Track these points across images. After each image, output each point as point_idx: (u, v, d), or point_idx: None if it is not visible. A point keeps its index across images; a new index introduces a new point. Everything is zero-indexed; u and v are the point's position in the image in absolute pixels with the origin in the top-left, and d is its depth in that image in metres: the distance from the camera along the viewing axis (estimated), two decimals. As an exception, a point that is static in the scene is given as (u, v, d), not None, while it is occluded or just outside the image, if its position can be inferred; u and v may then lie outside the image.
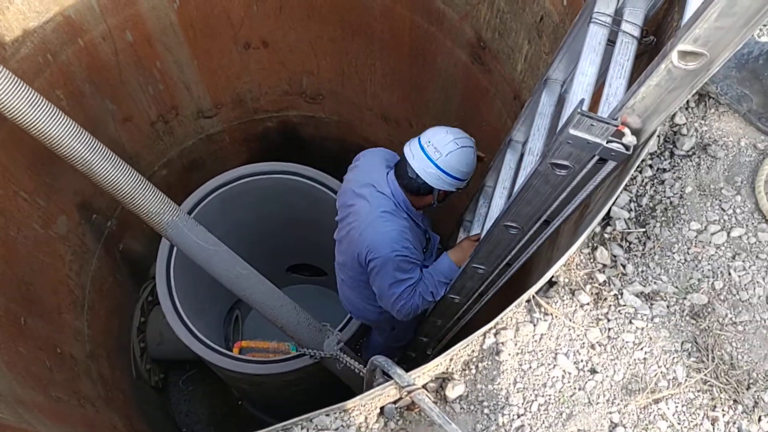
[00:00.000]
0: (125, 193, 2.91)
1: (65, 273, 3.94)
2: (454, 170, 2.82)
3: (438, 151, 2.81)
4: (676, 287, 1.69)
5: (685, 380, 1.60)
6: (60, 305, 3.85)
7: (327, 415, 1.62)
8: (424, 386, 1.68)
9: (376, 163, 3.10)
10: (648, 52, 2.09)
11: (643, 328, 1.64)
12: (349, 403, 1.65)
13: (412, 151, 2.88)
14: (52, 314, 3.75)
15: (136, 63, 3.93)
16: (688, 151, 1.85)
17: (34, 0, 3.18)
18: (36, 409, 3.07)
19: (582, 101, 1.74)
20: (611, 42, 2.01)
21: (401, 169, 2.92)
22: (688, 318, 1.66)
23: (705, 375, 1.61)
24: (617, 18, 2.00)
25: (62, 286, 3.91)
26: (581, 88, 1.96)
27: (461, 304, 2.97)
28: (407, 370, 1.71)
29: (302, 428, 1.62)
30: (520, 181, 2.42)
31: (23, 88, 2.54)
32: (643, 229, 1.77)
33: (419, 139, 2.91)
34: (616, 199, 1.79)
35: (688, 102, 1.93)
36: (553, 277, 1.76)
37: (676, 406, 1.58)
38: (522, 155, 2.82)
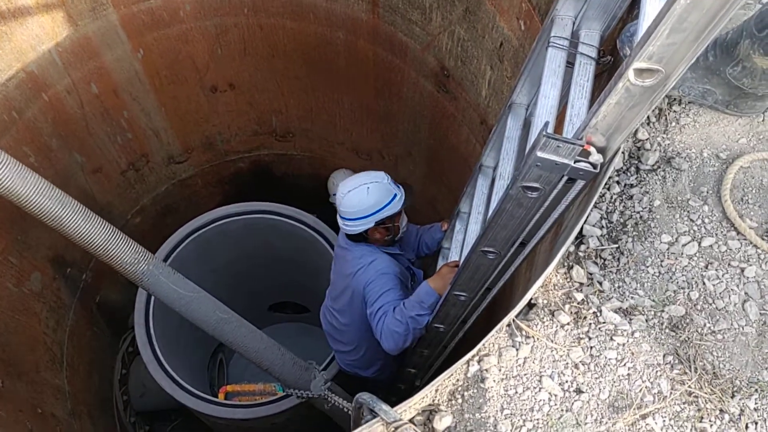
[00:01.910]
0: (98, 245, 2.86)
1: (41, 330, 3.87)
2: (352, 214, 3.11)
3: (343, 209, 3.15)
4: (653, 300, 1.70)
5: (670, 393, 1.60)
6: (38, 364, 3.77)
7: (316, 457, 1.59)
8: (411, 420, 1.66)
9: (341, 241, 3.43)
10: (607, 71, 2.14)
11: (624, 344, 1.65)
12: (338, 444, 1.62)
13: (339, 220, 3.24)
14: (30, 374, 3.66)
15: (103, 114, 3.92)
16: (653, 166, 1.88)
17: (-5, 58, 3.17)
18: (18, 474, 2.98)
19: (547, 123, 1.76)
20: (570, 64, 2.05)
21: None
22: (667, 330, 1.67)
23: (689, 386, 1.61)
24: (574, 41, 2.05)
25: (39, 344, 3.83)
26: (545, 111, 1.99)
27: (446, 332, 2.96)
28: (395, 404, 1.69)
29: (291, 473, 1.58)
30: (494, 205, 2.44)
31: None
32: (616, 245, 1.79)
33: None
34: (587, 217, 1.81)
35: (648, 117, 1.97)
36: (531, 299, 1.76)
37: (664, 420, 1.58)
38: (493, 180, 2.85)
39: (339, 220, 3.22)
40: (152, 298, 4.08)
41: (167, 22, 3.74)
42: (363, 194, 3.09)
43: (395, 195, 3.10)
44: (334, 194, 4.79)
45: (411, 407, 1.64)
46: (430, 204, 3.95)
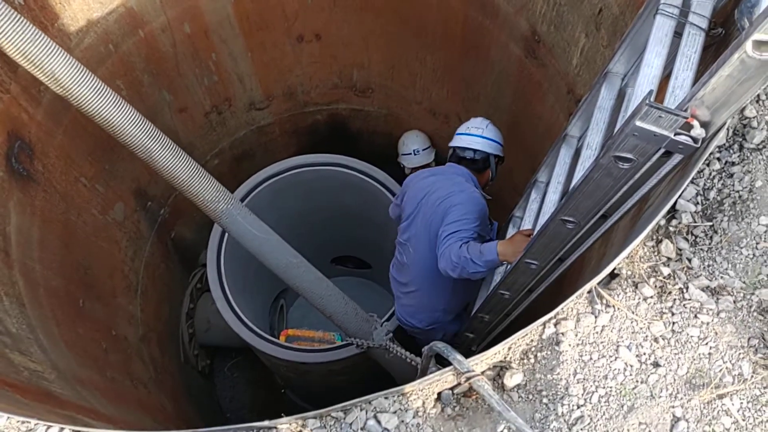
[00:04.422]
0: (183, 181, 2.97)
1: (121, 258, 4.06)
2: (496, 137, 3.53)
3: (478, 128, 3.53)
4: (744, 282, 1.66)
5: (752, 376, 1.57)
6: (115, 289, 3.96)
7: (386, 398, 1.64)
8: (482, 373, 1.69)
9: (427, 171, 3.66)
10: (715, 45, 2.06)
11: (708, 323, 1.62)
12: (408, 387, 1.67)
13: (460, 139, 3.55)
14: (108, 298, 3.86)
15: (193, 55, 4.02)
16: (758, 145, 1.81)
17: (98, -9, 3.28)
18: (93, 388, 3.17)
19: (651, 92, 1.72)
20: (678, 34, 1.97)
21: (457, 156, 3.54)
22: (755, 314, 1.63)
23: (771, 372, 1.58)
24: (684, 9, 1.97)
25: (117, 271, 4.02)
26: (647, 80, 1.93)
27: (510, 299, 2.96)
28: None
29: (361, 409, 1.64)
30: (578, 175, 2.40)
31: (90, 77, 2.62)
32: (710, 223, 1.74)
33: (458, 133, 3.61)
34: (683, 191, 1.76)
35: (758, 95, 1.89)
36: (615, 269, 1.74)
37: (741, 402, 1.55)
38: (578, 150, 2.80)
39: (470, 139, 3.49)
40: (225, 238, 4.22)
41: (262, -34, 3.78)
42: (495, 127, 3.57)
43: None
44: (405, 154, 4.84)
45: (483, 361, 1.66)
46: (507, 173, 3.90)
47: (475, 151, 3.46)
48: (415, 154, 4.91)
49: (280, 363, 4.09)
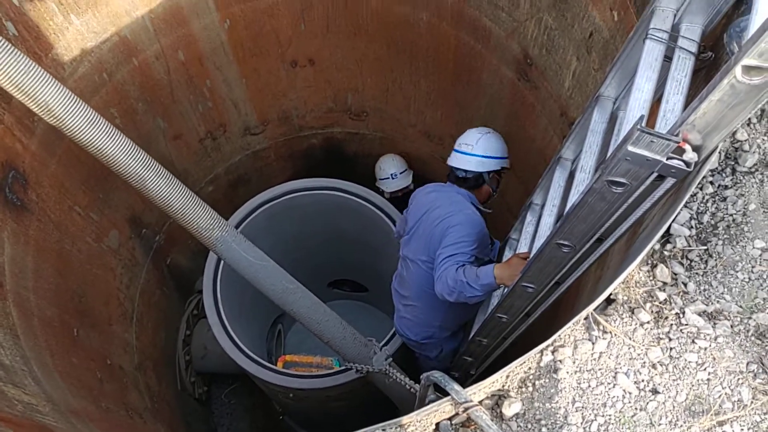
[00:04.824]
0: (177, 209, 2.95)
1: (116, 285, 4.04)
2: (488, 151, 3.36)
3: (468, 145, 3.38)
4: (741, 306, 1.65)
5: (751, 402, 1.55)
6: (110, 317, 3.94)
7: (383, 430, 1.62)
8: (480, 403, 1.67)
9: (431, 186, 3.57)
10: (704, 68, 2.07)
11: (706, 348, 1.61)
12: (405, 419, 1.65)
13: (453, 157, 3.44)
14: (103, 326, 3.83)
15: (187, 81, 4.03)
16: (750, 168, 1.81)
17: (92, 21, 3.29)
18: (88, 419, 3.13)
19: (642, 117, 1.72)
20: (667, 58, 1.99)
21: (452, 176, 3.44)
22: (753, 338, 1.62)
23: (771, 397, 1.56)
24: (674, 34, 1.98)
25: (113, 298, 4.00)
26: (638, 104, 1.94)
27: (508, 323, 2.94)
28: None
29: (359, 442, 1.62)
30: (573, 198, 2.40)
31: (82, 107, 2.61)
32: (705, 247, 1.74)
33: (453, 148, 3.49)
34: (677, 215, 1.76)
35: (749, 118, 1.89)
36: (611, 294, 1.74)
37: (742, 429, 1.53)
38: (572, 173, 2.80)
39: (460, 159, 3.37)
40: (221, 264, 4.20)
41: (255, -6, 3.81)
42: (500, 139, 3.42)
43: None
44: (383, 178, 4.89)
45: (481, 390, 1.64)
46: (500, 194, 3.91)
47: (465, 171, 3.37)
48: (393, 178, 4.97)
49: (277, 389, 4.05)
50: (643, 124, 1.69)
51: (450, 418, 1.69)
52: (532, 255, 2.60)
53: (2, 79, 2.39)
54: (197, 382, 5.11)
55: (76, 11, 3.16)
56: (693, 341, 1.62)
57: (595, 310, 1.70)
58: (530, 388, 1.65)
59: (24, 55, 2.42)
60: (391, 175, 4.97)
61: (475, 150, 3.35)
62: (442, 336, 3.71)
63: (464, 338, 3.84)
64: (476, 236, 3.18)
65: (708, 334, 1.62)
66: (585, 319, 1.70)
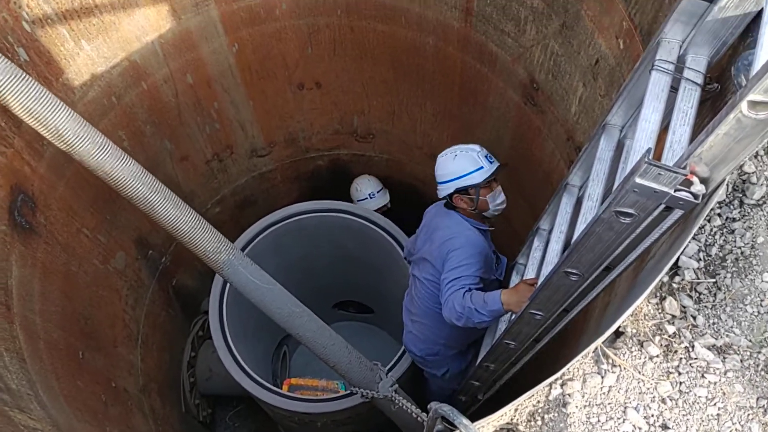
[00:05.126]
0: (184, 232, 2.96)
1: (121, 307, 4.04)
2: (439, 177, 3.34)
3: (436, 171, 3.37)
4: (750, 341, 1.64)
5: (762, 438, 1.54)
6: (116, 339, 3.93)
7: (390, 463, 1.61)
8: (487, 437, 1.66)
9: (434, 208, 3.63)
10: (710, 99, 2.08)
11: (716, 383, 1.60)
12: (412, 452, 1.63)
13: None
14: (108, 348, 3.83)
15: (195, 104, 4.06)
16: (758, 200, 1.81)
17: (102, 46, 3.33)
18: (92, 444, 3.12)
19: (649, 150, 1.73)
20: (674, 89, 1.99)
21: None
22: (763, 373, 1.61)
23: (782, 433, 1.55)
24: (680, 65, 1.99)
25: (118, 320, 4.00)
26: (645, 135, 1.95)
27: (516, 349, 2.93)
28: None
29: (365, 476, 1.61)
30: (580, 226, 2.40)
31: (92, 131, 2.64)
32: (714, 280, 1.74)
33: None
34: (685, 248, 1.76)
35: (757, 151, 1.89)
36: (619, 327, 1.73)
37: (753, 466, 1.52)
38: (579, 199, 2.81)
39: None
40: (227, 286, 4.20)
41: (263, 19, 3.84)
42: (449, 160, 3.30)
43: (480, 167, 3.21)
44: (361, 199, 4.94)
45: (489, 424, 1.63)
46: (505, 218, 3.91)
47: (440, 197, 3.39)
48: (371, 198, 5.04)
49: (282, 413, 4.03)
50: (651, 156, 1.69)
51: (458, 452, 1.68)
52: (540, 282, 2.60)
53: (14, 104, 2.42)
54: (201, 404, 5.08)
55: (87, 37, 3.19)
56: (703, 375, 1.61)
57: (603, 342, 1.69)
58: (539, 422, 1.64)
59: (35, 81, 2.45)
60: (369, 194, 5.04)
61: (437, 176, 3.37)
62: (447, 354, 3.73)
63: (472, 361, 3.83)
64: (478, 257, 3.19)
65: (718, 369, 1.61)
66: (593, 351, 1.69)
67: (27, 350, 2.94)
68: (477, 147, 3.30)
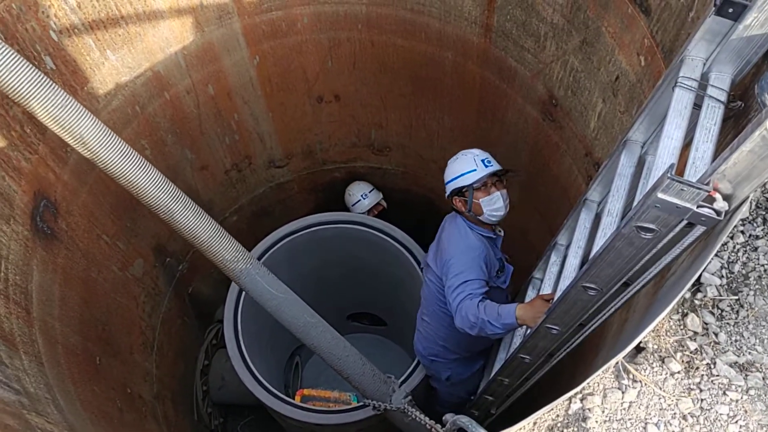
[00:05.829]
0: (203, 240, 2.99)
1: (138, 314, 4.06)
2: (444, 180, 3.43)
3: None
4: (772, 359, 1.64)
5: (784, 458, 1.53)
6: (132, 346, 3.96)
7: (408, 474, 1.61)
8: (506, 450, 1.65)
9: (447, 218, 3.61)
10: (734, 116, 2.08)
11: (737, 400, 1.59)
12: (430, 463, 1.63)
13: None
14: (125, 354, 3.85)
15: (216, 115, 4.11)
16: (782, 219, 1.81)
17: (127, 56, 3.38)
18: (107, 450, 3.13)
19: (672, 166, 1.73)
20: (697, 106, 2.00)
21: None
22: (785, 392, 1.60)
23: (804, 453, 1.54)
24: (703, 83, 1.99)
25: (135, 327, 4.03)
26: (667, 152, 1.95)
27: (531, 363, 2.92)
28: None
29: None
30: (599, 241, 2.39)
31: (115, 140, 2.67)
32: (736, 297, 1.73)
33: None
34: (707, 265, 1.75)
35: (780, 168, 1.89)
36: (641, 342, 1.72)
37: (775, 485, 1.51)
38: (598, 215, 2.80)
39: None
40: (242, 295, 4.22)
41: (285, 32, 3.89)
42: (450, 163, 3.43)
43: (473, 169, 3.27)
44: (355, 202, 5.03)
45: (508, 437, 1.63)
46: (522, 233, 3.91)
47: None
48: (364, 198, 5.12)
49: (294, 423, 4.03)
50: (673, 172, 1.69)
51: (476, 464, 1.68)
52: (557, 297, 2.59)
53: (39, 111, 2.47)
54: (213, 413, 5.09)
55: (112, 47, 3.25)
56: (724, 393, 1.60)
57: (624, 358, 1.69)
58: (558, 436, 1.64)
59: (61, 88, 2.49)
60: (362, 195, 5.13)
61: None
62: (448, 357, 3.75)
63: (479, 372, 3.83)
64: (473, 261, 3.20)
65: (740, 386, 1.60)
66: (614, 366, 1.69)
67: (45, 354, 2.96)
68: (477, 151, 3.37)
